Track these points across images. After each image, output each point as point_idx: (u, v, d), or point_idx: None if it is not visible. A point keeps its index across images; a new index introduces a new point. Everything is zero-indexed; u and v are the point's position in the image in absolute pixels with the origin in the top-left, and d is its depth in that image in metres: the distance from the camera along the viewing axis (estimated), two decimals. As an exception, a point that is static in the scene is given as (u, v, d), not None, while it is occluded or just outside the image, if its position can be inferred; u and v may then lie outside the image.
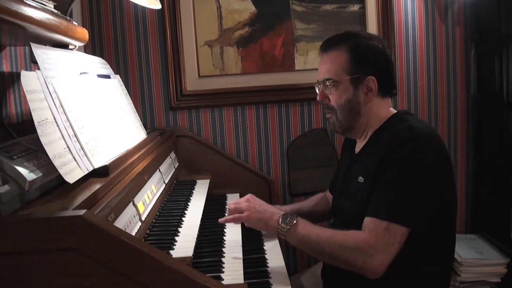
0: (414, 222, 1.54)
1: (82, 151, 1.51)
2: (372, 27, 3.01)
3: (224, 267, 1.61)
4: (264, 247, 1.92)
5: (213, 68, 3.00)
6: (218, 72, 3.00)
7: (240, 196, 2.59)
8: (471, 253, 2.84)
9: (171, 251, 1.56)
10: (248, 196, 1.87)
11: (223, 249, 1.76)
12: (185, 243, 1.64)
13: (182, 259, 1.39)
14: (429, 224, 1.56)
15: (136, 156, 1.88)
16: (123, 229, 1.46)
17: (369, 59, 1.71)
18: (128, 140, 2.00)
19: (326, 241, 1.57)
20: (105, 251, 1.05)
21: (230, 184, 2.80)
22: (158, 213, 1.96)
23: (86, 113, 1.67)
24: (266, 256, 1.84)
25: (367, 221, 1.55)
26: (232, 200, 1.95)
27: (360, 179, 1.69)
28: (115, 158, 1.66)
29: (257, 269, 1.71)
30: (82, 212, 1.06)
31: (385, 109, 1.78)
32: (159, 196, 2.07)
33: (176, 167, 2.66)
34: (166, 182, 2.29)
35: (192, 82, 2.98)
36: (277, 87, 3.00)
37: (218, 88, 2.98)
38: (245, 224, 1.83)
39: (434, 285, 1.69)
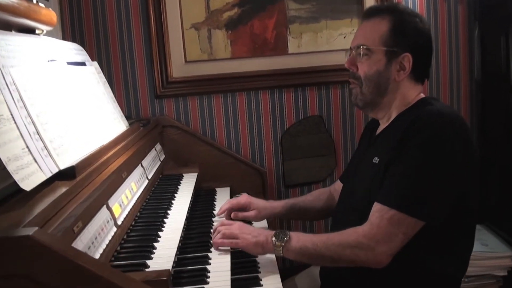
0: (425, 214, 1.45)
1: (45, 151, 1.33)
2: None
3: (209, 276, 1.44)
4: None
5: (200, 52, 2.83)
6: (206, 57, 2.84)
7: (231, 191, 2.45)
8: (477, 246, 2.65)
9: (148, 261, 1.39)
10: (238, 222, 1.73)
11: (209, 254, 1.60)
12: (165, 250, 1.48)
13: (158, 274, 1.22)
14: (443, 218, 1.48)
15: (112, 152, 1.70)
16: (93, 238, 1.30)
17: (410, 36, 1.62)
18: (105, 134, 1.83)
19: (323, 246, 1.51)
20: (58, 277, 0.88)
21: (220, 177, 2.64)
22: (138, 214, 1.79)
23: (52, 106, 1.49)
24: (257, 259, 1.68)
25: (374, 207, 1.49)
26: (219, 222, 1.78)
27: (375, 159, 1.60)
28: (86, 156, 1.48)
29: (247, 275, 1.55)
30: (31, 231, 0.89)
31: (414, 93, 1.67)
32: (141, 194, 1.90)
33: (161, 160, 2.49)
34: (149, 177, 2.12)
35: (178, 68, 2.81)
36: (269, 72, 2.86)
37: (206, 74, 2.83)
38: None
39: (442, 284, 1.57)
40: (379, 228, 1.44)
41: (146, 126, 2.40)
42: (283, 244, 1.54)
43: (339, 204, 1.84)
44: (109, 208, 1.52)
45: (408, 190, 1.45)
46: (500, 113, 2.77)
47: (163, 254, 1.45)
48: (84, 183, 1.38)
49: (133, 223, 1.71)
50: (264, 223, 2.05)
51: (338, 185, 2.03)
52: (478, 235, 2.80)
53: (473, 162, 1.54)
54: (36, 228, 0.90)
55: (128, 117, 2.60)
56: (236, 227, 1.67)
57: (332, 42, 2.88)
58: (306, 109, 2.95)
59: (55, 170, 1.33)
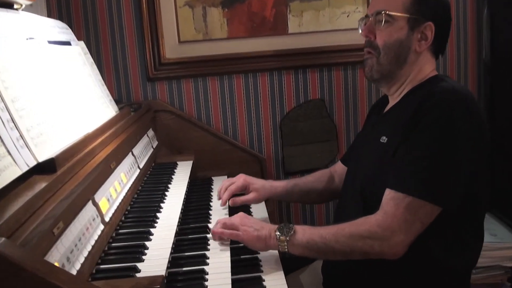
0: (444, 200, 1.36)
1: (21, 141, 1.18)
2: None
3: (207, 279, 1.30)
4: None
5: (195, 32, 2.66)
6: (201, 37, 2.68)
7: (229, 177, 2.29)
8: (486, 236, 2.55)
9: (140, 264, 1.25)
10: (240, 214, 1.58)
11: (207, 253, 1.45)
12: (158, 250, 1.34)
13: (150, 281, 1.07)
14: (459, 202, 1.39)
15: (98, 140, 1.55)
16: (77, 239, 1.15)
17: (432, 4, 1.54)
18: (91, 121, 1.67)
19: (333, 238, 1.40)
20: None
21: (217, 165, 2.50)
22: (129, 208, 1.64)
23: (30, 90, 1.33)
24: (258, 256, 1.54)
25: (388, 195, 1.39)
26: (222, 218, 1.62)
27: (383, 139, 1.51)
28: (68, 146, 1.33)
29: (248, 275, 1.42)
30: (-5, 241, 0.73)
31: (430, 68, 1.59)
32: (131, 185, 1.75)
33: (154, 147, 2.34)
34: (141, 166, 1.97)
35: (171, 49, 2.65)
36: (268, 53, 2.70)
37: (201, 55, 2.67)
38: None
39: (450, 275, 1.48)
40: (395, 217, 1.35)
41: (137, 111, 2.24)
42: (287, 238, 1.42)
43: (344, 188, 1.73)
44: (95, 204, 1.37)
45: (425, 174, 1.35)
46: (509, 96, 2.63)
47: (156, 255, 1.30)
48: (66, 177, 1.23)
49: (123, 218, 1.56)
50: (263, 210, 1.92)
51: (338, 167, 1.93)
52: (486, 224, 2.67)
53: (486, 144, 1.46)
54: (2, 239, 0.74)
55: (118, 101, 2.44)
56: (238, 219, 1.54)
57: (335, 21, 2.72)
58: (307, 92, 2.80)
59: (33, 163, 1.17)
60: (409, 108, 1.44)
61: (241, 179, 1.87)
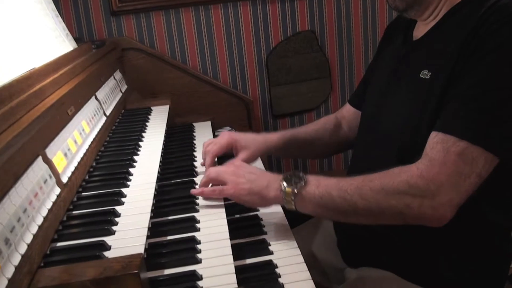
0: (508, 149, 1.03)
1: None
2: None
3: (200, 249, 1.01)
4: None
5: (163, -47, 2.27)
6: (171, -40, 2.27)
7: (213, 126, 1.97)
8: None
9: (109, 239, 0.94)
10: (236, 161, 1.28)
11: (196, 215, 1.15)
12: (134, 217, 1.03)
13: (127, 263, 0.77)
14: None
15: (49, 79, 1.20)
16: (22, 209, 0.85)
17: None
18: (40, 56, 1.32)
19: (356, 193, 1.06)
20: None
21: (197, 110, 2.21)
22: (94, 164, 1.32)
23: None
24: (259, 214, 1.27)
25: (433, 138, 1.05)
26: (214, 167, 1.30)
27: (425, 73, 1.16)
28: (4, 84, 0.99)
29: (249, 239, 1.15)
30: None
31: None
32: (96, 136, 1.42)
33: (123, 91, 1.99)
34: (107, 113, 1.63)
35: (137, -24, 2.25)
36: (250, -23, 2.33)
37: (172, -18, 2.30)
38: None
39: (503, 239, 1.20)
40: (443, 165, 1.01)
41: (100, 48, 1.88)
42: (295, 191, 1.10)
43: (362, 137, 1.40)
44: (47, 161, 1.05)
45: (486, 115, 1.02)
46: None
47: (131, 224, 0.99)
48: (2, 125, 0.90)
49: (87, 177, 1.24)
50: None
51: (347, 111, 1.58)
52: None
53: None
54: None
55: (78, 39, 2.08)
56: (230, 168, 1.23)
57: None
58: (295, 23, 2.50)
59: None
60: (455, 33, 1.12)
61: (224, 136, 1.48)
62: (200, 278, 0.91)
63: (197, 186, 1.31)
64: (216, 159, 1.45)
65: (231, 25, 2.41)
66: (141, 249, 0.88)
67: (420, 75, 1.16)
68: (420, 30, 1.27)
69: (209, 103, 2.28)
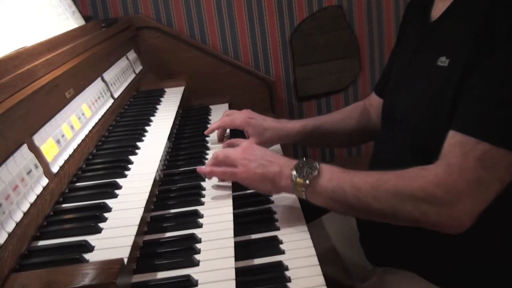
0: None
1: None
2: None
3: (199, 249, 0.90)
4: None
5: None
6: None
7: (231, 108, 1.86)
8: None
9: (93, 238, 0.83)
10: (246, 143, 1.19)
11: (199, 208, 1.04)
12: (125, 212, 0.92)
13: (105, 271, 0.67)
14: None
15: (43, 59, 1.10)
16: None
17: None
18: (35, 35, 1.22)
19: (370, 192, 0.98)
20: None
21: (215, 91, 2.08)
22: (94, 151, 1.22)
23: None
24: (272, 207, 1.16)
25: (452, 138, 0.95)
26: (221, 150, 1.21)
27: (443, 60, 1.03)
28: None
29: (257, 236, 1.04)
30: None
31: None
32: (99, 120, 1.32)
33: (137, 72, 1.89)
34: (116, 96, 1.53)
35: None
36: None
37: (191, -44, 2.18)
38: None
39: None
40: (462, 171, 0.92)
41: (111, 27, 1.77)
42: (307, 182, 1.02)
43: (382, 130, 1.27)
44: (34, 149, 0.95)
45: (507, 111, 0.90)
46: None
47: (121, 221, 0.88)
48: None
49: (84, 166, 1.14)
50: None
51: (374, 99, 1.44)
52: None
53: None
54: None
55: (91, 18, 1.99)
56: (239, 150, 1.13)
57: None
58: (322, -2, 2.33)
59: None
60: (473, 10, 0.99)
61: (242, 114, 1.39)
62: (195, 284, 0.80)
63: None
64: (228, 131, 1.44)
65: (252, 1, 2.27)
66: (125, 253, 0.77)
67: (438, 63, 1.04)
68: (438, 9, 1.11)
69: (229, 85, 2.16)
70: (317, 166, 1.02)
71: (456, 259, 1.05)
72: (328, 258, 1.35)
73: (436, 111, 1.00)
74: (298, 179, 1.02)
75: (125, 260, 0.74)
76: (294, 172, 1.03)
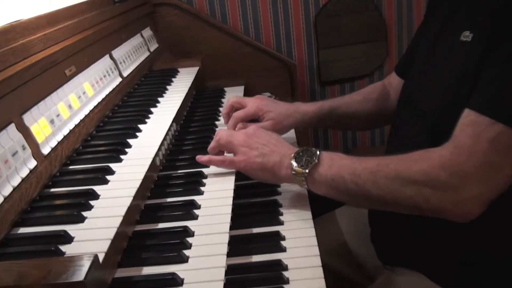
0: None
1: None
2: None
3: (190, 244, 0.83)
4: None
5: None
6: None
7: (246, 91, 1.79)
8: None
9: (75, 228, 0.77)
10: (251, 127, 1.14)
11: (197, 198, 0.97)
12: (113, 201, 0.86)
13: (78, 264, 0.61)
14: None
15: (38, 34, 1.05)
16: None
17: None
18: (36, 8, 1.16)
19: (370, 178, 0.94)
20: None
21: (233, 73, 2.00)
22: (94, 133, 1.16)
23: None
24: (278, 199, 1.08)
25: (465, 118, 0.90)
26: (223, 130, 1.16)
27: (466, 35, 0.99)
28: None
29: (260, 230, 0.97)
30: None
31: None
32: (103, 100, 1.27)
33: (152, 50, 1.82)
34: (125, 74, 1.47)
35: None
36: None
37: None
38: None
39: None
40: (472, 155, 0.87)
41: (124, 2, 1.71)
42: (307, 171, 0.99)
43: (399, 113, 1.20)
44: (22, 129, 0.90)
45: None
46: None
47: (107, 210, 0.82)
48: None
49: (80, 148, 1.08)
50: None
51: (393, 79, 1.38)
52: None
53: None
54: None
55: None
56: (241, 136, 1.08)
57: None
58: (349, -22, 2.21)
59: None
60: None
61: (255, 103, 1.31)
62: (180, 283, 0.74)
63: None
64: None
65: (276, -21, 2.18)
66: (104, 247, 0.71)
67: (461, 38, 0.98)
68: None
69: (248, 66, 2.07)
70: (317, 154, 0.99)
71: (468, 260, 1.00)
72: (338, 253, 1.30)
73: (457, 92, 0.95)
74: (297, 169, 0.98)
75: (102, 256, 0.68)
76: (293, 162, 0.99)
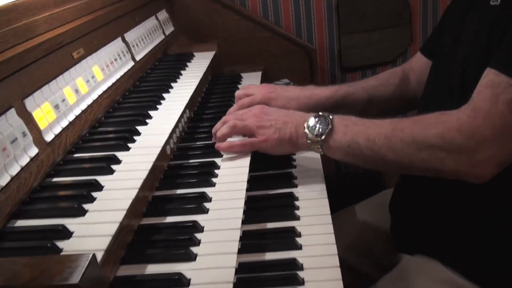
0: None
1: None
2: None
3: (199, 240, 0.78)
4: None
5: None
6: None
7: (264, 78, 1.73)
8: None
9: (74, 222, 0.72)
10: (256, 107, 1.12)
11: (208, 190, 0.92)
12: (117, 193, 0.80)
13: (73, 265, 0.56)
14: None
15: (43, 14, 0.99)
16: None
17: None
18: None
19: (385, 144, 0.95)
20: None
21: (251, 58, 1.93)
22: (102, 119, 1.11)
23: None
24: (293, 192, 1.02)
25: (484, 77, 0.90)
26: (230, 115, 1.14)
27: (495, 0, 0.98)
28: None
29: (274, 225, 0.92)
30: None
31: None
32: (113, 85, 1.21)
33: (167, 34, 1.76)
34: (138, 58, 1.42)
35: None
36: None
37: None
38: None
39: None
40: (489, 117, 0.87)
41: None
42: (321, 138, 1.01)
43: (427, 93, 1.15)
44: (24, 114, 0.84)
45: None
46: None
47: (110, 203, 0.77)
48: None
49: (87, 135, 1.03)
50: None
51: (417, 62, 1.33)
52: None
53: None
54: None
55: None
56: (253, 119, 1.08)
57: None
58: (373, -40, 2.12)
59: None
60: None
61: (260, 93, 1.26)
62: (186, 284, 0.68)
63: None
64: None
65: (297, -39, 2.10)
66: (104, 244, 0.65)
67: (490, 2, 0.98)
68: None
69: (266, 51, 2.00)
70: (330, 121, 1.00)
71: (488, 246, 0.99)
72: (354, 248, 1.25)
73: (484, 60, 0.92)
74: (310, 136, 1.01)
75: (101, 253, 0.63)
76: (307, 131, 1.01)
